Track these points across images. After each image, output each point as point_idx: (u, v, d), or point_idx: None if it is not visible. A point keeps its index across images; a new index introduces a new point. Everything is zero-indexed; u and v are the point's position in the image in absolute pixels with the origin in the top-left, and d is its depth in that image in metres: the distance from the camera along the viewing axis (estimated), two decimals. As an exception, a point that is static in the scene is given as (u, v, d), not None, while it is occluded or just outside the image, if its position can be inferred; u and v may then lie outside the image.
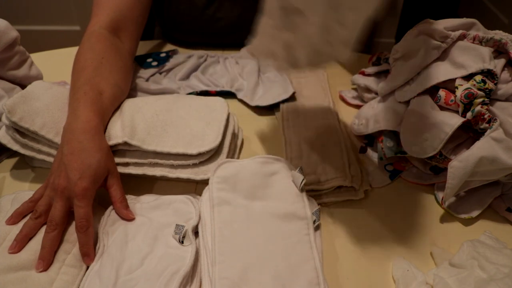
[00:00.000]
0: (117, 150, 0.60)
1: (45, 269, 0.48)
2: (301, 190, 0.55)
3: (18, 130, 0.60)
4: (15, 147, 0.61)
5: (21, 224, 0.51)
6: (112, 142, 0.58)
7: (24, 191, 0.58)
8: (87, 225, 0.50)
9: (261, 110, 0.78)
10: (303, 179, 0.55)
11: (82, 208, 0.50)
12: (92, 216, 0.51)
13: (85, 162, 0.53)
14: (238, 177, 0.55)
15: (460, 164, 0.54)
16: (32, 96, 0.61)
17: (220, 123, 0.62)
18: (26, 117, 0.59)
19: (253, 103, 0.77)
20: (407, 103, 0.65)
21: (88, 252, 0.50)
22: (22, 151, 0.61)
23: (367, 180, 0.64)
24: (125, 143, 0.58)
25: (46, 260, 0.49)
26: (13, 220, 0.52)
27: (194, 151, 0.58)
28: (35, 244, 0.49)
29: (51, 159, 0.60)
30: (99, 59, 0.66)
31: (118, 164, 0.60)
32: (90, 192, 0.52)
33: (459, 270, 0.49)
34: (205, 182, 0.57)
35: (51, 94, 0.63)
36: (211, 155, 0.60)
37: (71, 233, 0.51)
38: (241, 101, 0.80)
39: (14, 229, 0.50)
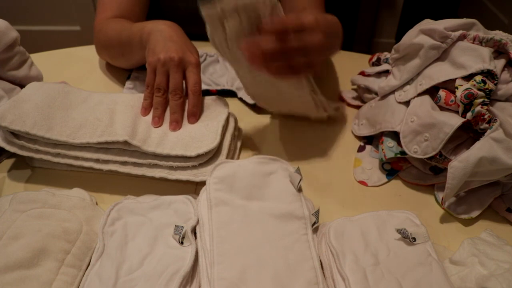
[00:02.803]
0: (116, 148, 0.60)
1: (180, 128, 0.62)
2: (299, 190, 0.55)
3: (13, 133, 0.61)
4: (12, 149, 0.61)
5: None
6: (112, 138, 0.59)
7: (23, 192, 0.58)
8: (199, 89, 0.63)
9: (261, 109, 0.78)
10: (300, 179, 0.55)
11: (197, 75, 0.64)
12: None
13: (188, 43, 0.67)
14: (235, 178, 0.55)
15: (460, 164, 0.54)
16: (23, 99, 0.62)
17: (219, 123, 0.62)
18: (17, 120, 0.59)
19: (253, 102, 0.77)
20: (407, 103, 0.65)
21: (196, 113, 0.63)
22: (20, 152, 0.61)
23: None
24: (125, 143, 0.59)
25: (180, 122, 0.62)
26: (146, 111, 0.64)
27: (192, 153, 0.58)
28: (32, 242, 0.49)
29: (49, 158, 0.61)
30: (123, 23, 0.77)
31: (117, 162, 0.60)
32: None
33: (460, 267, 0.50)
34: (205, 183, 0.57)
35: (41, 92, 0.64)
36: (211, 156, 0.60)
37: (71, 233, 0.51)
38: (241, 100, 0.80)
39: (11, 228, 0.50)
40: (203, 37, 0.95)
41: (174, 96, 0.63)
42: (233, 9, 0.53)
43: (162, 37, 0.66)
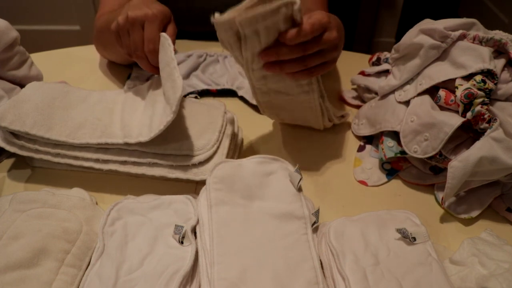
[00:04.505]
0: (116, 148, 0.60)
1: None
2: (299, 189, 0.55)
3: (13, 133, 0.61)
4: (12, 149, 0.61)
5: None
6: (112, 140, 0.59)
7: (23, 192, 0.58)
8: (153, 47, 0.63)
9: (261, 110, 0.78)
10: (300, 179, 0.55)
11: (150, 30, 0.63)
12: None
13: (151, 2, 0.66)
14: (235, 177, 0.55)
15: (460, 164, 0.54)
16: (23, 99, 0.62)
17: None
18: (16, 120, 0.59)
19: (254, 101, 0.77)
20: (407, 103, 0.65)
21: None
22: (20, 152, 0.61)
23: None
24: (125, 143, 0.59)
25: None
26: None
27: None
28: (32, 242, 0.49)
29: (49, 158, 0.61)
30: (114, 14, 0.72)
31: (116, 161, 0.60)
32: None
33: (460, 267, 0.50)
34: (205, 182, 0.57)
35: (41, 92, 0.64)
36: (211, 155, 0.60)
37: (71, 233, 0.51)
38: (242, 99, 0.80)
39: (11, 227, 0.50)
40: (204, 37, 0.96)
41: (135, 57, 0.64)
42: (253, 31, 0.51)
43: (126, 6, 0.66)
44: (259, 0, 0.50)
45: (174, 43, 0.65)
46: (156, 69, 0.65)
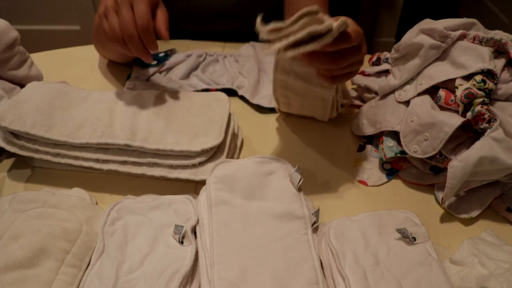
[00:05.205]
0: (116, 148, 0.60)
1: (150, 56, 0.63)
2: (299, 189, 0.55)
3: (13, 133, 0.61)
4: (12, 149, 0.61)
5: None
6: (112, 140, 0.59)
7: (23, 191, 0.58)
8: (146, 23, 0.59)
9: (262, 109, 0.78)
10: (300, 179, 0.55)
11: (139, 7, 0.59)
12: None
13: None
14: (235, 177, 0.55)
15: (460, 164, 0.54)
16: (23, 99, 0.62)
17: (223, 119, 0.62)
18: (16, 120, 0.59)
19: (254, 101, 0.77)
20: (407, 103, 0.65)
21: (150, 50, 0.61)
22: (20, 152, 0.61)
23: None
24: (126, 145, 0.59)
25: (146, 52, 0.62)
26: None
27: (197, 148, 0.58)
28: (32, 242, 0.49)
29: (49, 158, 0.61)
30: None
31: (116, 161, 0.60)
32: None
33: (460, 267, 0.50)
34: (205, 182, 0.57)
35: (41, 92, 0.64)
36: (211, 155, 0.60)
37: (71, 233, 0.51)
38: (242, 99, 0.80)
39: (11, 227, 0.50)
40: (204, 36, 0.96)
41: (127, 37, 0.60)
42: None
43: None
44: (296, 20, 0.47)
45: (168, 26, 0.63)
46: (149, 55, 0.63)
